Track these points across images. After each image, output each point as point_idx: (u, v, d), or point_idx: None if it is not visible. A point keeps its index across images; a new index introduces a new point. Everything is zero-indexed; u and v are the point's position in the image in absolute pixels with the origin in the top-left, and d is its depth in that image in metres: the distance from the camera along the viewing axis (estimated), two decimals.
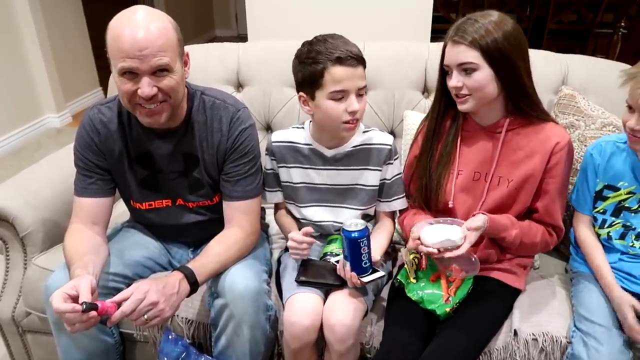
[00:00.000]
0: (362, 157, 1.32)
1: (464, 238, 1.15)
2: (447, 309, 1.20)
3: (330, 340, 1.20)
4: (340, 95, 1.19)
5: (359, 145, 1.32)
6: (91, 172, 1.29)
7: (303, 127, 1.36)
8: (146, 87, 1.11)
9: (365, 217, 1.39)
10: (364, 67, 1.21)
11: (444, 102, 1.28)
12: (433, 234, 1.17)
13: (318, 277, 1.26)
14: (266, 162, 1.39)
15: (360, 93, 1.21)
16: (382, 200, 1.37)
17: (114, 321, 1.06)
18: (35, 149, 3.37)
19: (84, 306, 1.01)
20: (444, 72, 1.24)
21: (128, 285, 1.28)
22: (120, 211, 1.55)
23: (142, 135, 1.27)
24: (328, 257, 1.31)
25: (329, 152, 1.32)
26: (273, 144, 1.36)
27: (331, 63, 1.17)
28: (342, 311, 1.19)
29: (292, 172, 1.36)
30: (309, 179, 1.35)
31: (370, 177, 1.33)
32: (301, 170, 1.35)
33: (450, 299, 1.22)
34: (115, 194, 1.35)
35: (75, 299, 1.03)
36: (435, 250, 1.15)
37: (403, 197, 1.37)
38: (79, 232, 1.26)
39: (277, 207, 1.46)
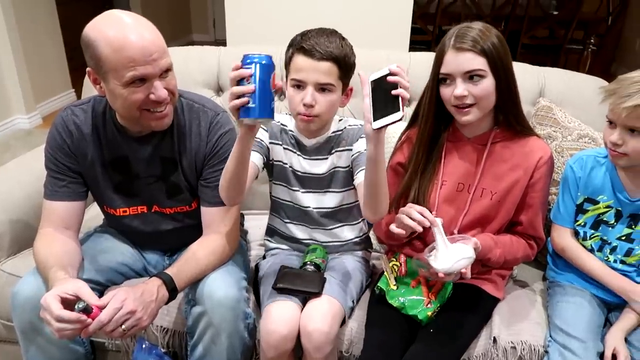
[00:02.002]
0: (337, 141, 1.31)
1: (475, 247, 1.14)
2: (429, 313, 1.20)
3: (308, 348, 1.18)
4: (297, 84, 1.19)
5: (336, 132, 1.31)
6: (63, 174, 1.24)
7: (290, 114, 1.35)
8: (161, 90, 1.10)
9: (343, 211, 1.37)
10: (339, 66, 1.18)
11: (435, 113, 1.24)
12: (447, 259, 1.11)
13: (296, 284, 1.24)
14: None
15: (323, 88, 1.19)
16: (357, 171, 1.27)
17: (90, 332, 1.01)
18: (3, 150, 3.26)
19: (80, 305, 0.98)
20: (437, 83, 1.20)
21: (101, 292, 1.24)
22: (93, 215, 1.51)
23: (117, 138, 1.24)
24: (307, 266, 1.29)
25: (308, 142, 1.31)
26: None
27: (297, 51, 1.19)
28: (320, 319, 1.18)
29: (282, 151, 1.34)
30: (293, 164, 1.33)
31: (344, 157, 1.31)
32: (289, 152, 1.33)
33: (431, 303, 1.22)
34: (88, 197, 1.31)
35: (67, 303, 1.00)
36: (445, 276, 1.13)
37: None
38: (51, 237, 1.22)
39: None
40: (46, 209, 1.25)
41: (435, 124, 1.26)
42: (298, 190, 1.35)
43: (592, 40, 4.09)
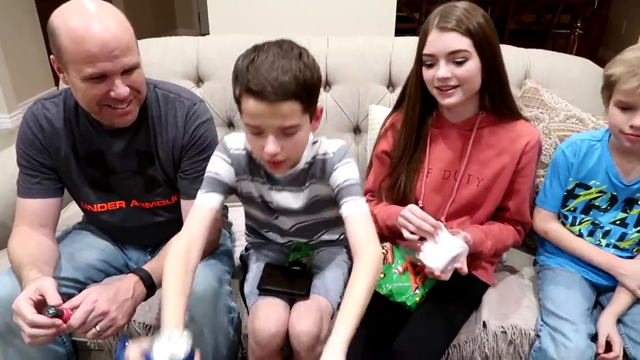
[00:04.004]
0: (314, 171, 1.14)
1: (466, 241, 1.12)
2: (417, 299, 1.19)
3: (297, 349, 1.14)
4: (255, 131, 0.98)
5: (311, 160, 1.13)
6: (36, 171, 1.20)
7: None
8: (121, 88, 1.05)
9: (325, 223, 1.26)
10: (301, 100, 0.94)
11: (422, 96, 1.20)
12: (439, 255, 1.09)
13: (282, 285, 1.19)
14: (218, 165, 1.12)
15: (288, 132, 0.97)
16: (342, 202, 1.07)
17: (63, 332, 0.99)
18: None
19: (51, 311, 0.94)
20: (421, 65, 1.15)
21: (80, 290, 1.20)
22: (73, 212, 1.47)
23: (91, 132, 1.20)
24: (292, 266, 1.26)
25: (279, 175, 1.14)
26: (231, 151, 1.14)
27: (245, 93, 0.93)
28: (308, 320, 1.13)
29: (250, 184, 1.18)
30: (264, 196, 1.19)
31: (322, 188, 1.16)
32: (258, 184, 1.17)
33: (418, 288, 1.20)
34: (64, 193, 1.27)
35: (39, 304, 0.97)
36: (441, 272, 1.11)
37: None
38: (25, 235, 1.18)
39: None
40: (20, 207, 1.21)
41: (422, 107, 1.22)
42: (272, 217, 1.23)
43: (578, 24, 4.07)
